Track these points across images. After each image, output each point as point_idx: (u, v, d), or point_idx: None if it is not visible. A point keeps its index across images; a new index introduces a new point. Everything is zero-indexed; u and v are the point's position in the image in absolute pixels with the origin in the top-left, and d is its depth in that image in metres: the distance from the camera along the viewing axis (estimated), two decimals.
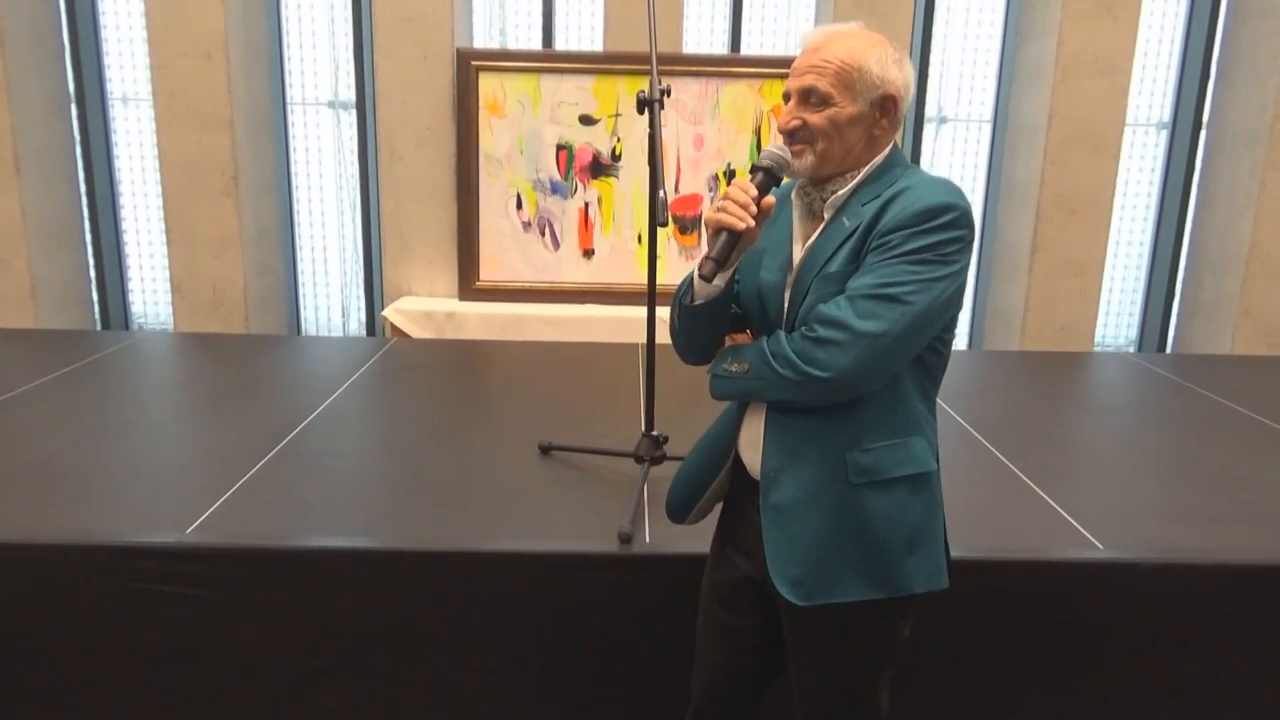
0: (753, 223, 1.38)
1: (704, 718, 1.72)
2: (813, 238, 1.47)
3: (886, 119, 1.44)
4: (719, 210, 1.38)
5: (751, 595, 1.60)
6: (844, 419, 1.43)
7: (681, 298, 1.49)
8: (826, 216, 1.46)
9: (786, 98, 1.45)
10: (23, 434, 2.80)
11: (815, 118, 1.41)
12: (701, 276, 1.41)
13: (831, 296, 1.40)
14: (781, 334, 1.44)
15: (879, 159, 1.46)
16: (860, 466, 1.43)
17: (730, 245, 1.39)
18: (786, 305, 1.47)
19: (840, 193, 1.45)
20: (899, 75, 1.43)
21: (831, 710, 1.56)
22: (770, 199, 1.40)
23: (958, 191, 1.40)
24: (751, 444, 1.53)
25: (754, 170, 1.42)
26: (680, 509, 1.69)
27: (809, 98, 1.41)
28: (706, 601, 1.69)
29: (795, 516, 1.45)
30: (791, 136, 1.43)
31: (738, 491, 1.61)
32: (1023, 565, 2.10)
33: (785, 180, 1.47)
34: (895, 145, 1.49)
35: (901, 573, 1.45)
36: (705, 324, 1.50)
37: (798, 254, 1.48)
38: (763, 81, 4.68)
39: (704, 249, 1.53)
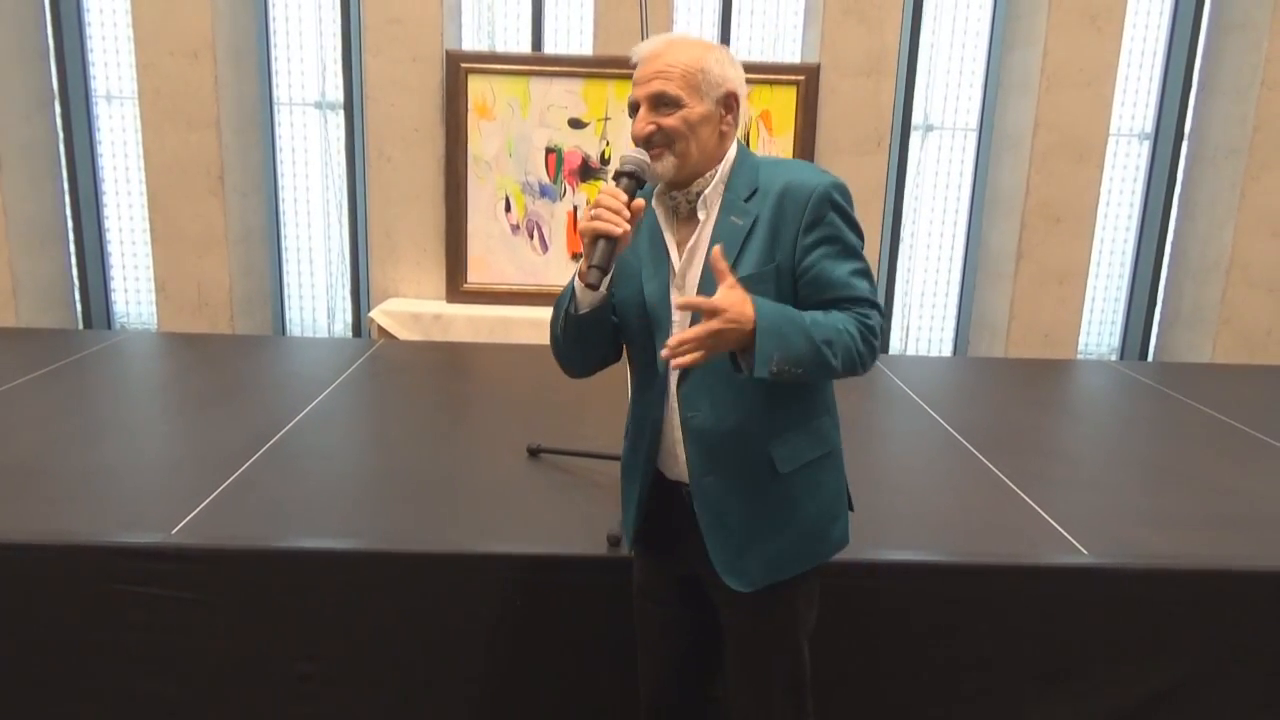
0: (628, 227, 1.41)
1: (658, 718, 1.75)
2: (694, 239, 1.50)
3: (731, 115, 1.50)
4: (593, 219, 1.40)
5: (686, 591, 1.65)
6: (761, 414, 1.49)
7: (568, 310, 1.51)
8: (701, 217, 1.50)
9: (634, 108, 1.48)
10: (4, 433, 2.77)
11: (669, 120, 1.44)
12: (589, 285, 1.42)
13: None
14: (846, 330, 1.39)
15: (733, 153, 1.52)
16: (784, 455, 1.51)
17: (610, 251, 1.41)
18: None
19: (707, 191, 1.50)
20: (735, 74, 1.50)
21: (767, 693, 1.61)
22: (640, 201, 1.43)
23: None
24: (671, 452, 1.56)
25: (617, 176, 1.45)
26: (628, 538, 1.68)
27: (659, 103, 1.45)
28: (641, 605, 1.73)
29: (731, 513, 1.52)
30: (648, 142, 1.46)
31: (656, 496, 1.61)
32: (1008, 570, 2.11)
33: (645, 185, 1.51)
34: (739, 142, 1.55)
35: (826, 541, 1.58)
36: (591, 332, 1.54)
37: (677, 258, 1.52)
38: (752, 87, 4.68)
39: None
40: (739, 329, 1.32)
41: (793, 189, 1.46)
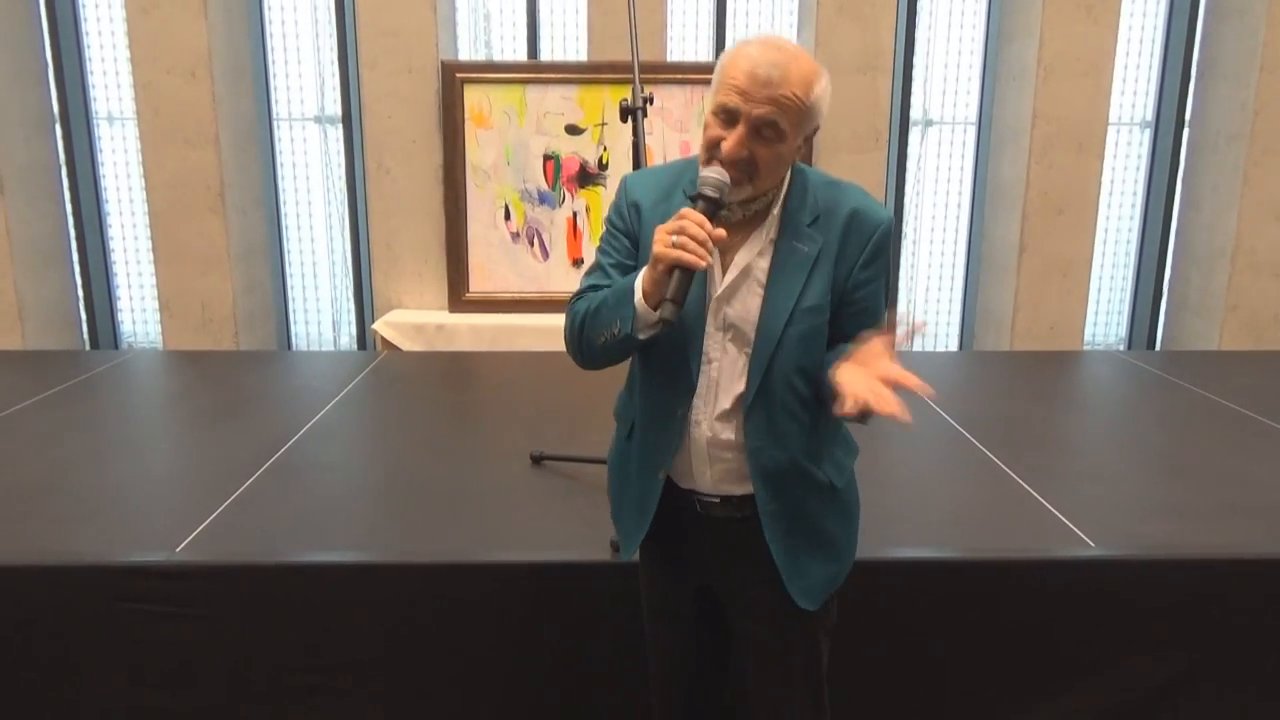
0: (711, 260, 1.34)
1: None
2: (751, 258, 1.43)
3: (807, 145, 1.43)
4: (677, 247, 1.30)
5: (698, 601, 1.63)
6: (812, 437, 1.49)
7: (628, 331, 1.38)
8: (758, 233, 1.44)
9: (730, 119, 1.35)
10: (12, 455, 2.78)
11: (766, 152, 1.35)
12: (663, 319, 1.33)
13: (818, 327, 1.43)
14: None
15: (789, 173, 1.45)
16: (836, 471, 1.53)
17: (689, 283, 1.32)
18: (754, 335, 1.43)
19: (775, 211, 1.43)
20: (827, 107, 1.40)
21: (792, 698, 1.60)
22: (721, 231, 1.34)
23: None
24: (687, 463, 1.51)
25: (696, 199, 1.35)
26: (633, 543, 1.61)
27: (763, 130, 1.34)
28: (654, 617, 1.71)
29: (798, 534, 1.51)
30: (733, 165, 1.35)
31: (664, 506, 1.56)
32: (1014, 564, 2.10)
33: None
34: None
35: (855, 545, 1.62)
36: (637, 349, 1.47)
37: (720, 270, 1.44)
38: None
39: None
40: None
41: (859, 220, 1.43)
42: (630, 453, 1.59)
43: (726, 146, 1.35)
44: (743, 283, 1.44)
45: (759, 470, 1.47)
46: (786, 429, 1.45)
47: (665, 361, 1.48)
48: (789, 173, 1.46)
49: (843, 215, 1.43)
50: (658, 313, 1.33)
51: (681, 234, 1.30)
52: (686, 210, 1.33)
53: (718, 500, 1.51)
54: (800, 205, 1.44)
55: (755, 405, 1.44)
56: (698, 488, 1.52)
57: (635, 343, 1.40)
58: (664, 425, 1.51)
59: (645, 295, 1.35)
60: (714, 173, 1.36)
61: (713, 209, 1.35)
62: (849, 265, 1.43)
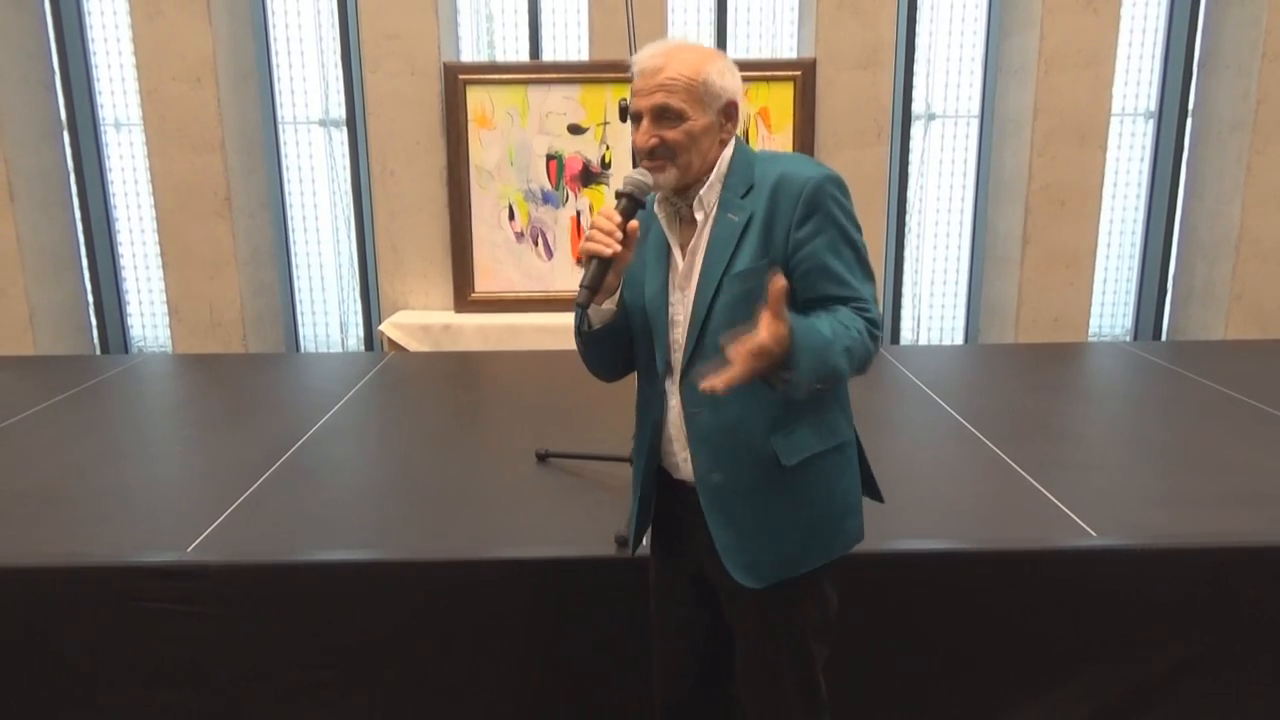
0: (619, 248, 1.45)
1: (672, 717, 1.76)
2: (695, 240, 1.51)
3: (731, 123, 1.51)
4: (587, 240, 1.45)
5: (700, 590, 1.66)
6: (763, 408, 1.48)
7: (580, 326, 1.55)
8: (699, 218, 1.51)
9: (635, 118, 1.48)
10: (24, 458, 2.82)
11: (673, 134, 1.45)
12: (578, 304, 1.48)
13: (748, 292, 1.42)
14: (861, 334, 1.39)
15: (729, 151, 1.52)
16: (788, 448, 1.50)
17: (601, 271, 1.46)
18: (690, 307, 1.50)
19: (703, 192, 1.51)
20: (735, 82, 1.50)
21: (777, 693, 1.61)
22: (635, 223, 1.47)
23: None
24: (671, 451, 1.58)
25: (617, 196, 1.48)
26: (638, 537, 1.70)
27: (663, 116, 1.45)
28: (658, 603, 1.75)
29: (736, 508, 1.52)
30: (651, 154, 1.47)
31: (663, 496, 1.64)
32: (1018, 555, 2.11)
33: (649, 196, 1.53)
34: (737, 137, 1.55)
35: (838, 537, 1.58)
36: (609, 344, 1.58)
37: (680, 259, 1.53)
38: (749, 84, 4.70)
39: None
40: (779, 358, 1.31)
41: (785, 182, 1.46)
42: (636, 449, 1.67)
43: (636, 139, 1.48)
44: (693, 265, 1.52)
45: (695, 435, 1.52)
46: (723, 395, 1.44)
47: (642, 353, 1.59)
48: (730, 155, 1.51)
49: (770, 182, 1.47)
50: (577, 300, 1.47)
51: (593, 228, 1.46)
52: (600, 208, 1.45)
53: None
54: (736, 181, 1.51)
55: (691, 369, 1.49)
56: (684, 476, 1.58)
57: (590, 337, 1.55)
58: (648, 414, 1.60)
59: (578, 294, 1.49)
60: (634, 173, 1.49)
61: (632, 206, 1.48)
62: (784, 229, 1.45)
